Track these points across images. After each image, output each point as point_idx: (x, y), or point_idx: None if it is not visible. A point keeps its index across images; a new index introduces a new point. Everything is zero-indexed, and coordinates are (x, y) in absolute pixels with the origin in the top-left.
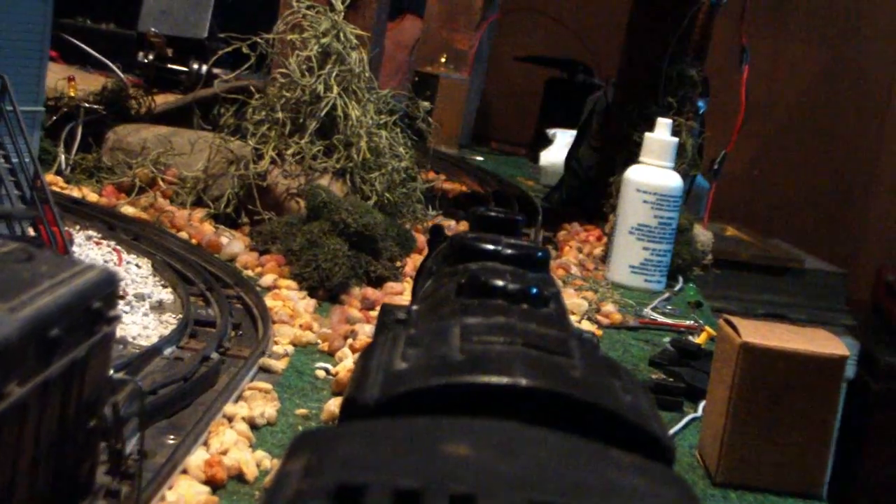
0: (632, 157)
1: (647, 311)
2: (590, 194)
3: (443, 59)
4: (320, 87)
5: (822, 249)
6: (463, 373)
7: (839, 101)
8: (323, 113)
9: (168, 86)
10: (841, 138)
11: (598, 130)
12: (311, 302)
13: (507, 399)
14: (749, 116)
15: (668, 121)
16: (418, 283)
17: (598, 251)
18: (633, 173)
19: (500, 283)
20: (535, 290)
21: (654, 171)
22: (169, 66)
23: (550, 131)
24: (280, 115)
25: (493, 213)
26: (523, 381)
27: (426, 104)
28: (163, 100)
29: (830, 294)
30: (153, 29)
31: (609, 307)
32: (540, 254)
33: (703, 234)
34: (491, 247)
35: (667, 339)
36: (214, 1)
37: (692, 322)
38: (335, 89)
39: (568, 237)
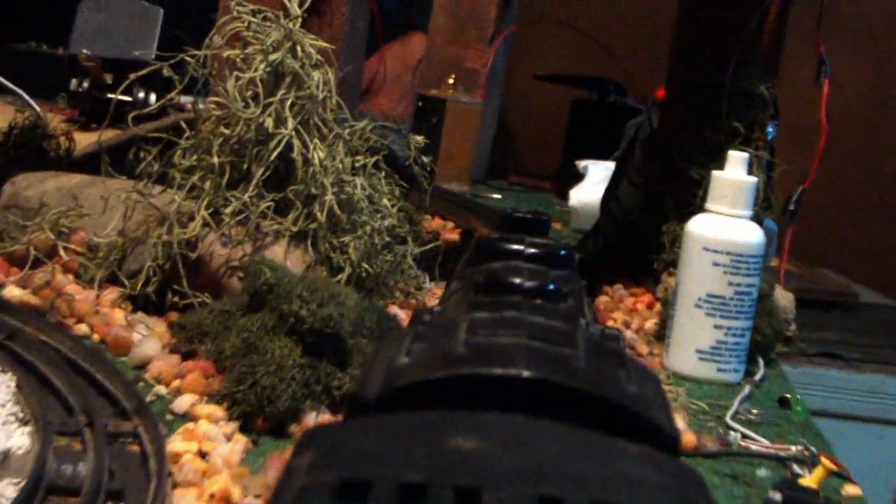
0: (686, 198)
1: (728, 419)
2: (633, 244)
3: (451, 80)
4: (269, 121)
5: (875, 280)
6: (463, 365)
7: (886, 116)
8: (273, 155)
9: (112, 120)
10: (890, 156)
11: (642, 164)
12: (241, 444)
13: (507, 390)
14: (794, 134)
15: (744, 154)
16: (448, 287)
17: (650, 325)
18: (698, 226)
19: (515, 279)
20: (552, 287)
21: (726, 224)
22: (109, 95)
23: (581, 164)
24: (216, 159)
25: (519, 214)
26: (523, 372)
27: (419, 138)
28: (93, 138)
29: (887, 330)
30: (85, 51)
31: (677, 422)
32: (563, 252)
33: (783, 298)
34: (514, 246)
35: (762, 472)
36: (164, 16)
37: (799, 447)
38: (290, 123)
39: (611, 305)
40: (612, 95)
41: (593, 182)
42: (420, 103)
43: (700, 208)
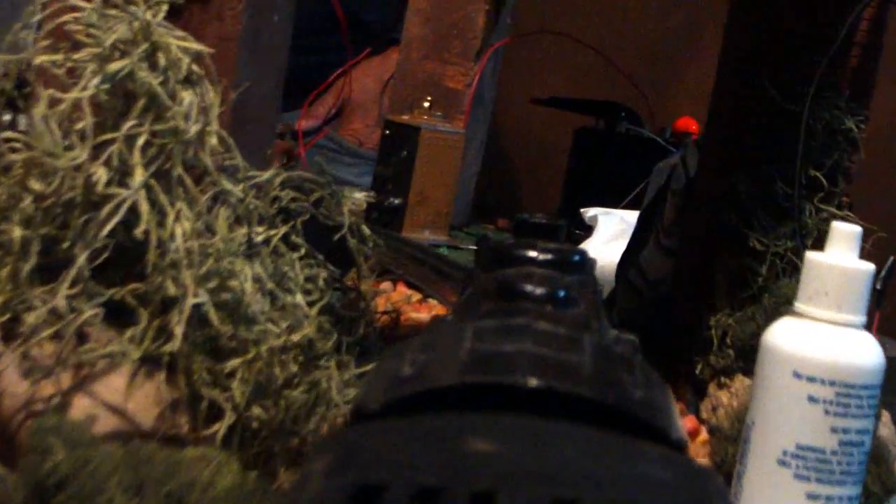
0: (743, 276)
1: None
2: (661, 329)
3: (426, 104)
4: (101, 173)
5: None
6: (466, 374)
7: None
8: (107, 229)
9: None
10: None
11: (676, 223)
12: None
13: (512, 398)
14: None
15: (855, 229)
16: (461, 295)
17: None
18: (785, 337)
19: (525, 286)
20: (562, 293)
21: (829, 336)
22: None
23: (588, 213)
24: (18, 231)
25: (533, 220)
26: (526, 380)
27: (359, 196)
28: None
29: None
30: None
31: None
32: (577, 257)
33: (883, 426)
34: (526, 252)
35: None
36: None
37: None
38: (139, 175)
39: None
40: (624, 124)
41: (604, 238)
42: (387, 131)
43: (762, 290)
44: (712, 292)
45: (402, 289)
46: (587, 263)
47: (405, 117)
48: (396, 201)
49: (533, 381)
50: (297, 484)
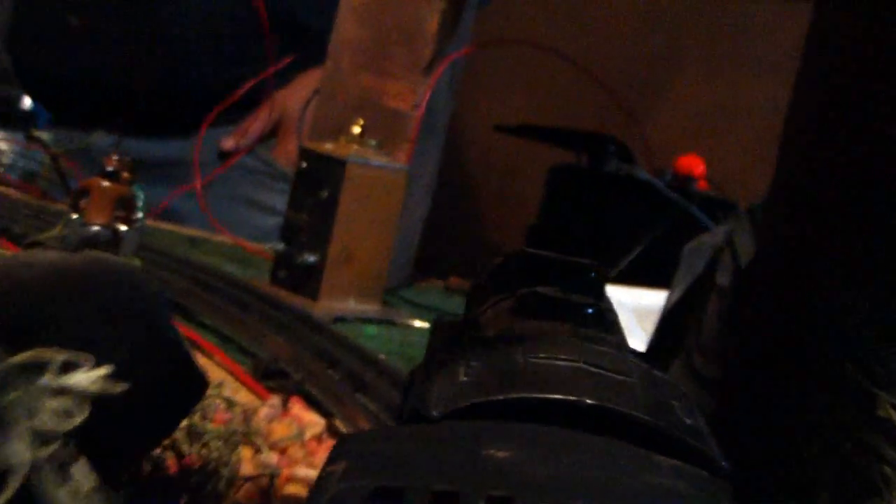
0: (861, 463)
1: None
2: None
3: (356, 129)
4: None
5: None
6: (525, 388)
7: None
8: None
9: None
10: None
11: (721, 340)
12: None
13: (567, 416)
14: None
15: None
16: (472, 304)
17: None
18: None
19: (562, 305)
20: (601, 315)
21: None
22: None
23: None
24: None
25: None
26: (585, 398)
27: (68, 400)
28: None
29: None
30: None
31: None
32: (594, 274)
33: None
34: (549, 269)
35: None
36: None
37: None
38: None
39: None
40: (613, 161)
41: None
42: (304, 164)
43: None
44: (804, 483)
45: (298, 409)
46: (605, 283)
47: (328, 146)
48: (311, 259)
49: (592, 400)
50: (314, 488)
